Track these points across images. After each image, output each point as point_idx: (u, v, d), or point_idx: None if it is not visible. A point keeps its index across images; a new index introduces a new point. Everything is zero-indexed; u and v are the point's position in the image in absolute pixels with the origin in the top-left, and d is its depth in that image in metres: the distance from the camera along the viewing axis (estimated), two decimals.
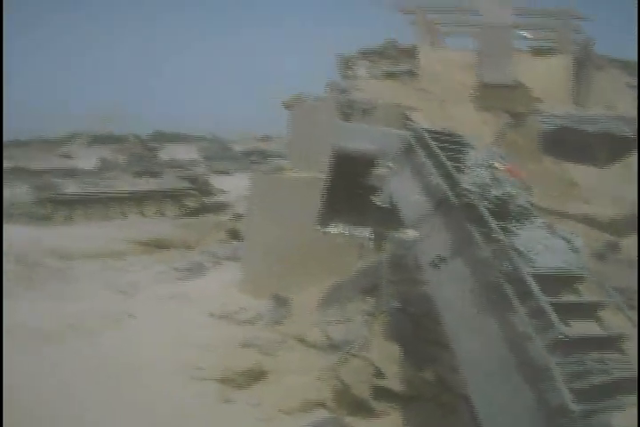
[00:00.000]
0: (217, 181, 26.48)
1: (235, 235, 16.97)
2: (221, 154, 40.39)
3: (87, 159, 29.55)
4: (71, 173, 25.63)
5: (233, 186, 25.01)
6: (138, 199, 22.59)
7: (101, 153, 28.67)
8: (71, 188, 22.39)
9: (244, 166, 29.12)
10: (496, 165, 5.17)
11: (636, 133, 11.19)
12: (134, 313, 11.35)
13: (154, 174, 23.54)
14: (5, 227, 18.77)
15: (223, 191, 25.31)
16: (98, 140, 35.59)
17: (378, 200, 6.05)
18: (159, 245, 17.32)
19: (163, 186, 23.12)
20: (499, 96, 12.41)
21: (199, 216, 22.06)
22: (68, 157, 36.37)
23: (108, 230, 19.23)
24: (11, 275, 13.33)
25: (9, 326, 9.98)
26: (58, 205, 22.08)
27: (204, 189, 24.10)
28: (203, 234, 18.33)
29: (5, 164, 37.76)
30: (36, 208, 22.09)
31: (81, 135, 37.56)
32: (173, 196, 23.12)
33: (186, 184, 23.51)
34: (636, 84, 12.74)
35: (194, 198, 23.48)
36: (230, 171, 34.02)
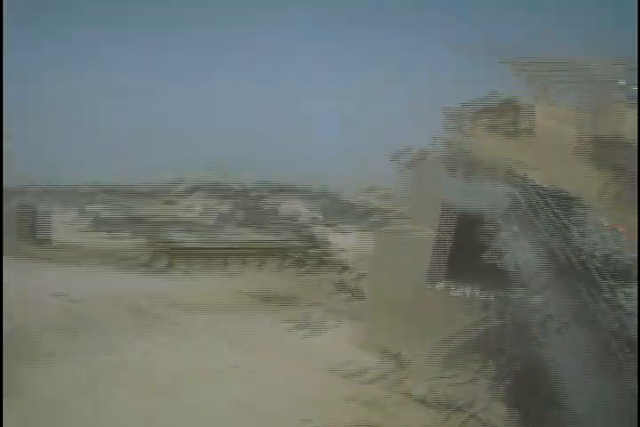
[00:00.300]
0: (330, 236, 26.48)
1: (348, 290, 16.98)
2: (332, 207, 40.45)
3: (199, 209, 30.36)
4: (183, 224, 26.32)
5: (347, 242, 25.08)
6: (251, 253, 22.81)
7: (213, 203, 29.29)
8: (184, 239, 22.98)
9: (356, 221, 29.22)
10: (603, 221, 5.14)
11: None
12: (247, 366, 11.57)
13: (259, 226, 23.75)
14: (121, 276, 20.09)
15: (337, 248, 25.28)
16: (212, 189, 36.42)
17: (499, 262, 6.03)
18: (273, 299, 17.53)
19: (268, 238, 23.42)
20: (607, 151, 12.17)
21: (312, 272, 22.06)
22: (175, 204, 37.63)
23: (222, 283, 19.62)
24: (125, 324, 13.95)
25: (126, 376, 10.35)
26: (171, 256, 22.62)
27: (317, 244, 24.12)
28: (316, 289, 18.36)
29: (120, 213, 39.76)
30: (149, 258, 22.68)
31: (194, 184, 38.68)
32: (287, 250, 23.21)
33: (299, 239, 23.69)
34: None
35: (307, 254, 23.51)
36: (342, 226, 34.10)
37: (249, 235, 23.60)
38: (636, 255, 5.09)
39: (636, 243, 7.83)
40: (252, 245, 23.11)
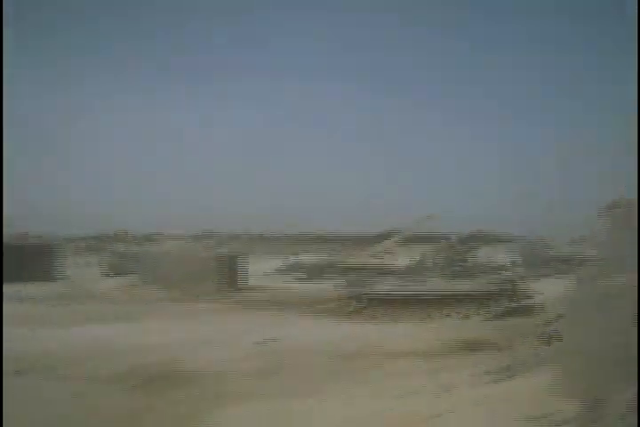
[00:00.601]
0: (530, 285, 26.26)
1: (545, 338, 16.95)
2: (535, 256, 39.90)
3: (401, 258, 31.19)
4: (384, 272, 27.17)
5: (545, 289, 24.84)
6: (449, 301, 22.96)
7: (417, 252, 29.93)
8: (383, 286, 23.62)
9: (557, 270, 28.77)
10: None
11: None
12: (446, 413, 11.30)
13: (466, 276, 23.99)
14: (316, 320, 21.32)
15: (535, 295, 25.08)
16: (413, 239, 37.28)
17: None
18: (471, 346, 17.29)
19: (474, 288, 23.35)
20: None
21: (510, 319, 21.70)
22: (382, 254, 38.81)
23: (419, 330, 19.80)
24: (324, 368, 14.36)
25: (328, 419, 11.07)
26: (369, 302, 23.25)
27: (515, 292, 24.08)
28: (514, 337, 18.34)
29: (318, 258, 41.67)
30: (347, 304, 23.66)
31: (397, 233, 39.81)
32: (485, 298, 23.07)
33: (498, 287, 23.50)
34: None
35: (505, 301, 23.40)
36: (543, 274, 33.79)
37: (451, 284, 23.76)
38: None
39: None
40: (454, 294, 23.20)
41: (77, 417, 11.04)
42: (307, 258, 43.65)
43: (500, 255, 36.93)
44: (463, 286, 23.52)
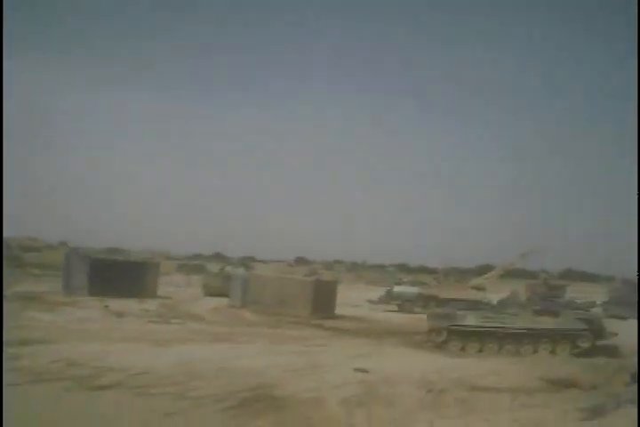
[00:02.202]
0: (611, 325, 25.73)
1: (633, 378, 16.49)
2: (623, 297, 39.07)
3: (495, 293, 30.77)
4: (474, 306, 26.88)
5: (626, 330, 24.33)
6: (533, 337, 23.04)
7: (510, 288, 29.64)
8: (469, 320, 23.57)
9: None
10: None
11: None
12: None
13: (552, 313, 23.70)
14: (406, 351, 21.81)
15: (616, 334, 24.53)
16: (512, 273, 36.96)
17: None
18: (560, 383, 17.12)
19: (563, 325, 23.27)
20: None
21: (597, 358, 21.36)
22: (480, 288, 38.48)
23: (507, 365, 19.78)
24: (416, 400, 14.39)
25: None
26: (458, 335, 23.50)
27: (602, 330, 23.61)
28: (602, 376, 17.89)
29: (413, 289, 41.71)
30: (438, 336, 23.76)
31: (493, 268, 39.53)
32: (568, 336, 23.09)
33: (586, 325, 23.28)
34: None
35: (587, 340, 23.13)
36: (626, 316, 32.83)
37: (540, 320, 23.62)
38: None
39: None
40: (544, 331, 23.29)
41: None
42: (401, 289, 43.54)
43: (588, 294, 36.23)
44: (551, 322, 23.48)
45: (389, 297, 42.56)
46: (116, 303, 30.43)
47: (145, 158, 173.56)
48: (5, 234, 38.74)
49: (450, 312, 24.78)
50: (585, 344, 23.11)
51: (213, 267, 56.37)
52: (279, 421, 12.35)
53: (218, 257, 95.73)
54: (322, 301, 32.59)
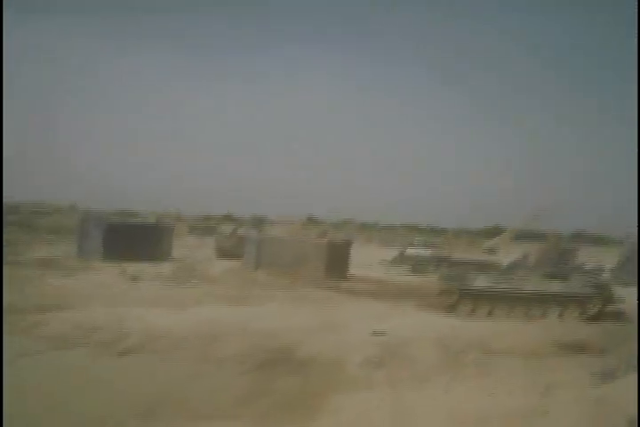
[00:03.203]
0: (619, 291, 25.80)
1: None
2: (630, 263, 38.97)
3: (506, 255, 30.87)
4: (485, 268, 26.95)
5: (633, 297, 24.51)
6: (542, 300, 23.31)
7: (522, 250, 29.68)
8: (484, 281, 23.85)
9: None
10: None
11: None
12: (547, 412, 11.67)
13: (562, 277, 23.91)
14: (419, 313, 22.10)
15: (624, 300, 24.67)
16: (523, 235, 36.88)
17: None
18: (568, 348, 17.47)
19: (572, 289, 23.56)
20: None
21: (605, 323, 21.87)
22: (493, 250, 38.61)
23: (517, 328, 20.10)
24: (433, 361, 14.85)
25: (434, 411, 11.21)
26: (470, 297, 23.69)
27: (612, 296, 23.76)
28: (612, 341, 18.09)
29: (425, 251, 42.03)
30: (449, 297, 24.03)
31: (507, 229, 39.48)
32: (577, 300, 23.32)
33: (595, 289, 23.56)
34: None
35: (596, 304, 23.29)
36: (632, 282, 32.82)
37: (549, 283, 23.97)
38: None
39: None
40: (553, 295, 23.63)
41: (190, 397, 11.45)
42: (414, 251, 43.71)
43: (599, 258, 36.12)
44: (561, 285, 23.76)
45: (402, 259, 42.84)
46: (132, 267, 30.67)
47: (151, 117, 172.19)
48: (12, 199, 38.92)
49: (461, 274, 25.09)
50: (594, 309, 23.41)
51: (226, 229, 56.24)
52: (301, 382, 12.77)
53: (228, 218, 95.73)
54: (336, 262, 32.82)
